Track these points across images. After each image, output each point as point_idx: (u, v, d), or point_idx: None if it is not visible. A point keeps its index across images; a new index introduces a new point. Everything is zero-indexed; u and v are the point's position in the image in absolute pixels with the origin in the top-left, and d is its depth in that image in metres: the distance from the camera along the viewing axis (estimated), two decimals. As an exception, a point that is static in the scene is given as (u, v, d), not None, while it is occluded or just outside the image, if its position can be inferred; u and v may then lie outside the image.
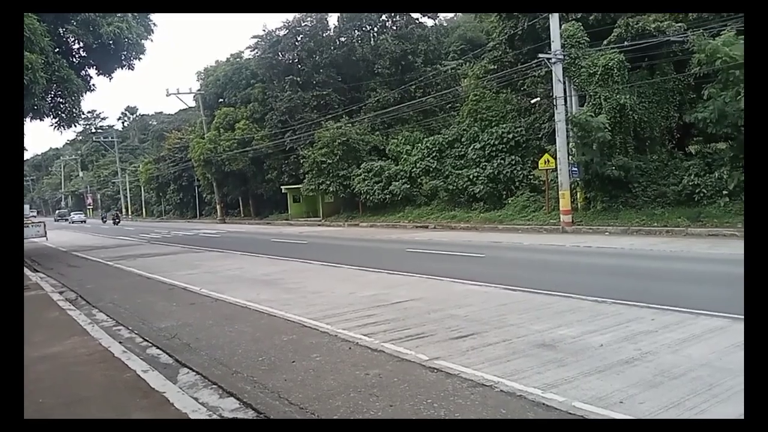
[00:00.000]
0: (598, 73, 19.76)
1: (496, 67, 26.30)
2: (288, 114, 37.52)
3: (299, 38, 38.21)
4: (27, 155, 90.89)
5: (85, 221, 62.48)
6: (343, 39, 38.56)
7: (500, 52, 25.91)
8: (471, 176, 26.20)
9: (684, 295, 8.02)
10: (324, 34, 38.56)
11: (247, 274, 12.92)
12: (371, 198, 30.96)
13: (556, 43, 19.87)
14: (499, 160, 25.29)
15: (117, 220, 53.33)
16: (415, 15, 36.58)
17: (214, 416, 4.27)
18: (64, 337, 6.91)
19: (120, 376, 5.25)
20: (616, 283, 9.44)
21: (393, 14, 36.60)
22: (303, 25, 37.96)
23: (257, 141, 39.48)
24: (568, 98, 20.51)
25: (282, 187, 39.38)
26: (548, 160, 21.32)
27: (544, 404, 4.26)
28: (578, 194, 21.32)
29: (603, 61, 19.65)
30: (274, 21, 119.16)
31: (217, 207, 47.67)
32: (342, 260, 14.05)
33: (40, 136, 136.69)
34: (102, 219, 60.07)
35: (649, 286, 8.86)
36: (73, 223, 59.72)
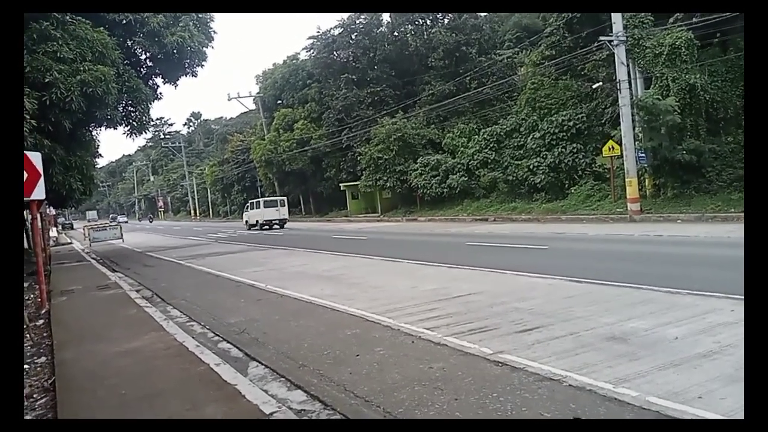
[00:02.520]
0: (665, 53, 18.81)
1: (554, 52, 25.53)
2: (344, 112, 37.97)
3: (354, 36, 38.57)
4: (103, 162, 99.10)
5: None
6: (396, 34, 38.56)
7: (558, 37, 25.14)
8: (531, 166, 25.60)
9: (767, 284, 7.50)
10: (378, 31, 38.71)
11: (310, 270, 13.20)
12: (429, 192, 30.86)
13: (617, 25, 19.05)
14: (560, 149, 24.57)
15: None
16: (468, 5, 36.03)
17: (283, 408, 4.40)
18: (143, 332, 7.31)
19: (195, 369, 5.49)
20: (690, 272, 8.96)
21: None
22: (357, 23, 38.28)
23: (315, 140, 40.23)
24: (632, 81, 19.64)
25: (340, 184, 39.95)
26: (613, 147, 20.51)
27: (616, 399, 4.11)
28: (646, 181, 20.41)
29: (669, 41, 18.68)
30: (329, 21, 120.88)
31: (279, 206, 48.92)
32: (402, 255, 14.10)
33: (114, 144, 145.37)
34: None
35: (727, 276, 8.35)
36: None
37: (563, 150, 24.45)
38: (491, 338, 5.97)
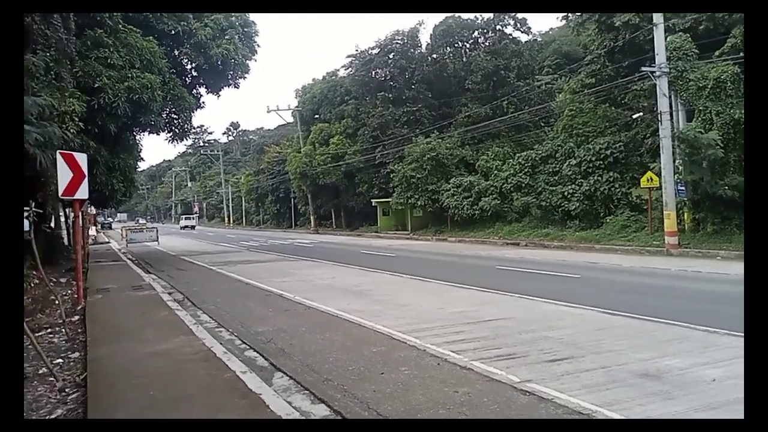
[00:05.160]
0: (709, 86, 18.41)
1: (593, 80, 25.29)
2: (379, 129, 38.30)
3: (391, 56, 38.99)
4: (144, 166, 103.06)
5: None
6: (434, 56, 38.87)
7: (599, 66, 24.93)
8: (566, 193, 25.22)
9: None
10: (416, 52, 39.09)
11: (338, 283, 13.25)
12: (460, 213, 30.69)
13: (661, 56, 18.76)
14: (596, 177, 24.16)
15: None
16: (507, 30, 36.17)
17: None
18: (173, 335, 7.45)
19: (221, 375, 5.56)
20: (730, 312, 8.62)
21: (485, 30, 36.47)
22: (395, 43, 38.73)
23: (350, 155, 40.64)
24: (674, 113, 19.26)
25: (372, 200, 40.13)
26: (651, 178, 20.09)
27: (647, 438, 3.98)
28: (685, 215, 19.86)
29: (714, 74, 18.29)
30: (367, 41, 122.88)
31: (311, 218, 49.40)
32: (430, 274, 14.03)
33: (155, 149, 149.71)
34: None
35: (768, 318, 8.04)
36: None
37: (599, 178, 24.04)
38: (519, 366, 5.87)
